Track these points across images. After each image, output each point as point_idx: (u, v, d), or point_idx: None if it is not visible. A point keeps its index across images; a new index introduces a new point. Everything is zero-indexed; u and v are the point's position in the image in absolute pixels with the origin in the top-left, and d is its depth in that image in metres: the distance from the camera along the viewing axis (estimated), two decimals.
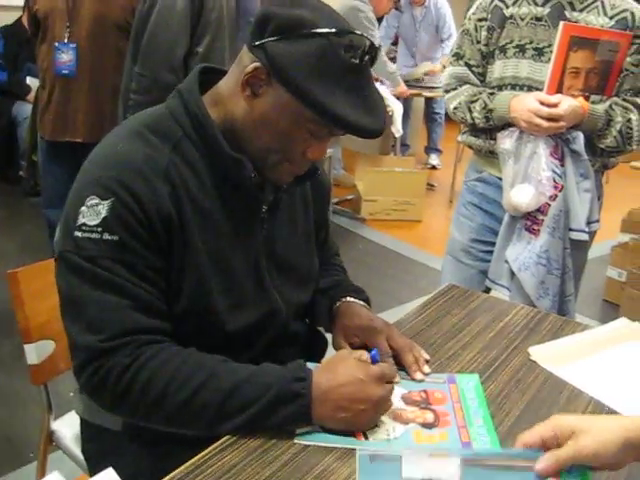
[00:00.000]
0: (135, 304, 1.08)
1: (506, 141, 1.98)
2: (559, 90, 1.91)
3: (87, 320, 1.07)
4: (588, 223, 2.01)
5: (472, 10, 2.10)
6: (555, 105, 1.87)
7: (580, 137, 1.93)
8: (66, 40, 3.00)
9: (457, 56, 2.11)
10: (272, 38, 1.07)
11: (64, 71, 3.03)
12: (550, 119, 1.87)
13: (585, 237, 2.00)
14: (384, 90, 4.94)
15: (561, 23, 1.86)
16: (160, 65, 2.46)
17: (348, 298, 1.37)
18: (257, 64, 1.09)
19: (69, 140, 3.11)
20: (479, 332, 1.44)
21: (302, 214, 1.36)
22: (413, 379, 1.23)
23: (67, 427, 1.57)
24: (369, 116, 1.10)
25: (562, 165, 1.95)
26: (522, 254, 2.01)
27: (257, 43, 1.09)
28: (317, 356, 1.41)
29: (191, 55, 2.51)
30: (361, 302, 1.37)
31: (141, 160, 1.11)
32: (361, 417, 1.06)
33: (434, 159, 6.46)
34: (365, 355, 1.12)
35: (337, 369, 1.09)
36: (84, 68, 3.05)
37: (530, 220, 2.01)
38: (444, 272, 2.32)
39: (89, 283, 1.07)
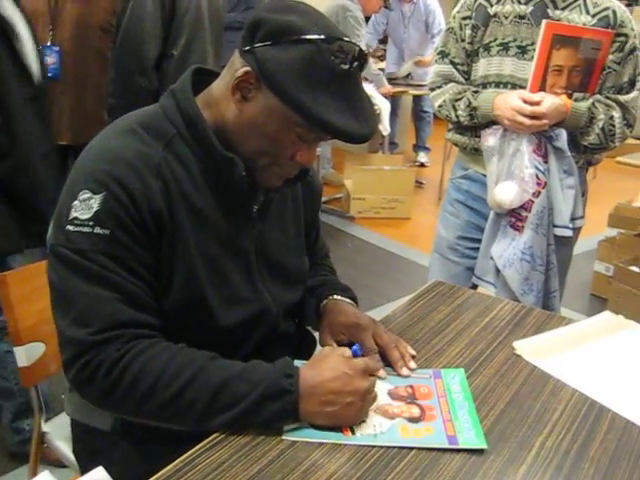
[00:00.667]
0: (125, 298, 1.09)
1: (490, 139, 2.00)
2: (542, 88, 1.94)
3: (76, 313, 1.08)
4: (572, 219, 2.03)
5: (457, 8, 2.11)
6: (538, 103, 1.89)
7: (563, 134, 1.95)
8: (49, 43, 2.97)
9: (442, 54, 2.13)
10: (262, 43, 1.08)
11: (48, 74, 2.99)
12: (533, 117, 1.90)
13: (569, 233, 2.02)
14: (371, 88, 4.95)
15: (544, 22, 1.88)
16: (132, 68, 2.48)
17: (335, 296, 1.38)
18: (247, 69, 1.10)
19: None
20: (465, 327, 1.46)
21: (292, 215, 1.37)
22: (399, 375, 1.25)
23: (58, 428, 1.58)
24: (357, 121, 1.11)
25: (546, 162, 1.97)
26: (507, 251, 2.04)
27: (247, 48, 1.11)
28: (306, 355, 1.42)
29: (166, 58, 2.51)
30: (348, 300, 1.39)
31: (134, 155, 1.12)
32: (348, 410, 1.08)
33: (422, 157, 6.48)
34: (348, 352, 1.15)
35: (322, 365, 1.11)
36: (68, 71, 3.01)
37: (514, 217, 2.03)
38: (431, 269, 2.33)
39: (79, 276, 1.08)
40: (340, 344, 1.29)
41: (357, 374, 1.09)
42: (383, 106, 4.91)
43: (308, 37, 1.07)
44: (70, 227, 1.09)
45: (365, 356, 1.21)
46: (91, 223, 1.08)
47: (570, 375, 1.29)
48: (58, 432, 1.57)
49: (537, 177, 1.97)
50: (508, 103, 1.93)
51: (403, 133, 6.67)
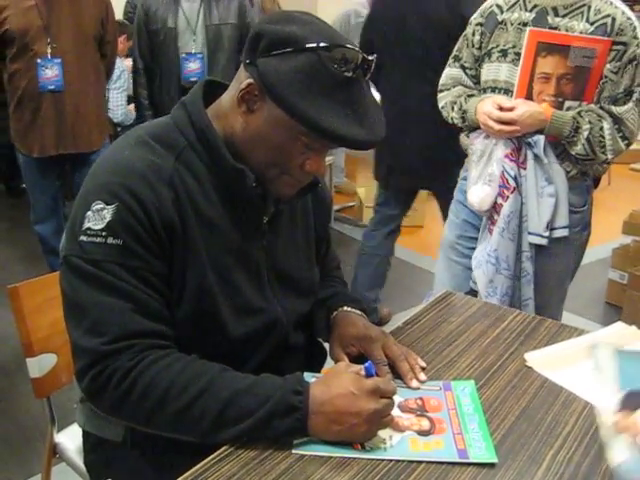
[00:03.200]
0: (138, 307, 1.09)
1: (475, 141, 2.05)
2: (528, 95, 1.94)
3: (90, 323, 1.08)
4: (552, 229, 2.01)
5: (474, 15, 2.15)
6: (510, 109, 1.91)
7: (540, 141, 1.95)
8: (49, 55, 3.01)
9: (455, 58, 2.20)
10: (264, 55, 1.09)
11: (50, 87, 3.04)
12: (503, 122, 1.91)
13: (542, 242, 2.01)
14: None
15: (527, 29, 1.89)
16: None
17: (345, 308, 1.38)
18: (250, 81, 1.11)
19: (62, 153, 3.15)
20: (475, 339, 1.46)
21: (302, 226, 1.38)
22: (409, 387, 1.24)
23: (70, 439, 1.59)
24: (362, 128, 1.11)
25: (524, 168, 1.98)
26: (480, 252, 2.07)
27: (250, 60, 1.12)
28: (316, 366, 1.42)
29: None
30: (358, 312, 1.38)
31: (146, 166, 1.13)
32: (354, 431, 1.07)
33: None
34: (361, 370, 1.13)
35: (332, 382, 1.10)
36: (71, 81, 3.09)
37: (489, 220, 2.07)
38: (437, 270, 2.38)
39: (92, 286, 1.09)
40: (350, 356, 1.29)
41: (364, 395, 1.07)
42: None
43: (309, 46, 1.07)
44: (83, 237, 1.10)
45: (377, 373, 1.18)
46: (104, 233, 1.09)
47: (582, 388, 1.28)
48: (70, 443, 1.58)
49: (507, 181, 1.97)
50: (482, 108, 1.97)
51: None
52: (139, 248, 1.10)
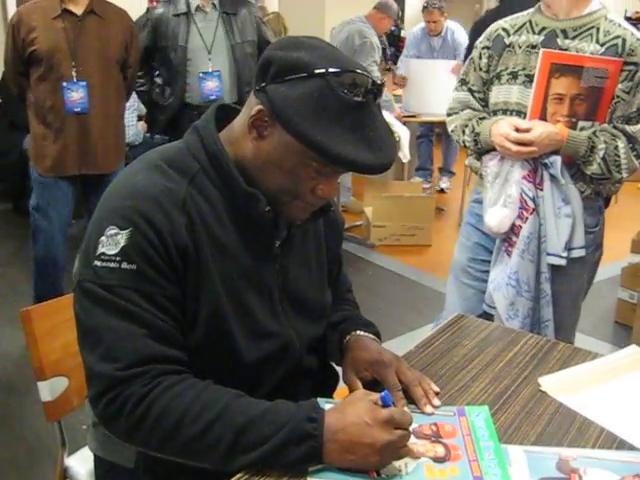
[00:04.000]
0: (152, 333, 1.09)
1: (489, 164, 2.04)
2: (542, 116, 1.95)
3: (104, 349, 1.08)
4: (569, 249, 2.00)
5: (480, 39, 2.16)
6: (527, 130, 1.91)
7: (557, 162, 1.95)
8: (75, 79, 3.07)
9: (462, 82, 2.21)
10: (273, 81, 1.10)
11: (76, 109, 3.10)
12: (521, 144, 1.91)
13: (561, 262, 2.00)
14: (388, 115, 4.98)
15: (541, 50, 1.90)
16: None
17: (358, 332, 1.37)
18: (260, 107, 1.12)
19: (84, 174, 3.21)
20: (489, 363, 1.45)
21: (314, 250, 1.37)
22: (423, 412, 1.24)
23: (81, 463, 1.58)
24: (372, 152, 1.11)
25: (539, 189, 1.97)
26: (499, 275, 2.05)
27: (260, 87, 1.12)
28: (329, 390, 1.42)
29: None
30: (371, 335, 1.38)
31: (159, 191, 1.13)
32: (367, 460, 1.05)
33: (444, 182, 6.40)
34: (377, 399, 1.12)
35: (347, 410, 1.09)
36: (95, 104, 3.15)
37: (507, 242, 2.06)
38: (448, 293, 2.37)
39: (107, 312, 1.09)
40: (363, 381, 1.29)
41: (378, 425, 1.06)
42: (402, 133, 4.93)
43: (317, 72, 1.08)
44: (97, 262, 1.10)
45: (393, 402, 1.16)
46: (118, 258, 1.09)
47: (597, 413, 1.27)
48: (80, 467, 1.57)
49: (525, 203, 1.97)
50: (498, 129, 1.96)
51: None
52: (153, 273, 1.10)
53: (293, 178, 1.15)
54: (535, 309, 2.05)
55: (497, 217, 2.02)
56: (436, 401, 1.26)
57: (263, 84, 1.11)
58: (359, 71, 1.11)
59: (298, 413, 1.07)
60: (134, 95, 4.58)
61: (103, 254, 1.10)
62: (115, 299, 1.08)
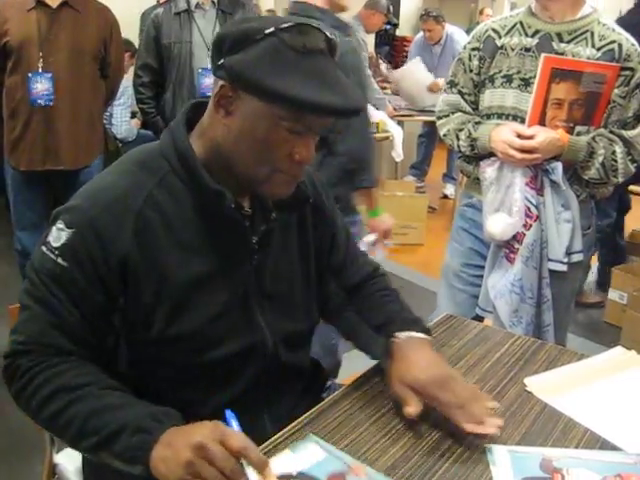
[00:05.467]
0: (59, 324, 1.14)
1: (488, 170, 2.03)
2: (541, 121, 1.94)
3: (19, 322, 1.17)
4: (568, 254, 2.01)
5: (468, 39, 2.15)
6: (530, 137, 1.90)
7: (559, 168, 1.95)
8: (40, 70, 3.03)
9: (451, 84, 2.17)
10: (228, 55, 1.11)
11: (39, 101, 3.05)
12: (524, 151, 1.90)
13: (563, 268, 2.01)
14: (383, 116, 4.99)
15: (542, 55, 1.90)
16: None
17: (406, 333, 1.30)
18: (221, 83, 1.13)
19: (49, 169, 3.16)
20: (476, 363, 1.46)
21: (299, 241, 1.36)
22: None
23: (69, 460, 1.58)
24: (336, 95, 1.10)
25: (540, 195, 1.97)
26: (499, 282, 2.05)
27: (218, 64, 1.13)
28: (316, 390, 1.42)
29: None
30: (421, 335, 1.31)
31: (118, 196, 1.15)
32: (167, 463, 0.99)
33: (449, 188, 6.24)
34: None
35: (194, 426, 1.02)
36: (63, 97, 3.09)
37: (508, 248, 2.05)
38: (439, 297, 2.36)
39: (31, 292, 1.16)
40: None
41: (191, 445, 0.97)
42: (396, 133, 4.94)
43: (267, 31, 1.09)
44: (43, 247, 1.17)
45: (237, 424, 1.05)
46: (57, 252, 1.14)
47: (582, 413, 1.29)
48: (69, 464, 1.58)
49: (529, 210, 1.97)
50: (501, 136, 1.95)
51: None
52: (80, 278, 1.13)
53: (268, 145, 1.14)
54: (536, 314, 2.05)
55: (500, 225, 2.00)
56: (496, 421, 1.17)
57: (219, 60, 1.13)
58: (310, 23, 1.12)
59: (146, 411, 1.08)
60: (127, 91, 4.59)
61: (49, 242, 1.16)
62: (40, 285, 1.15)
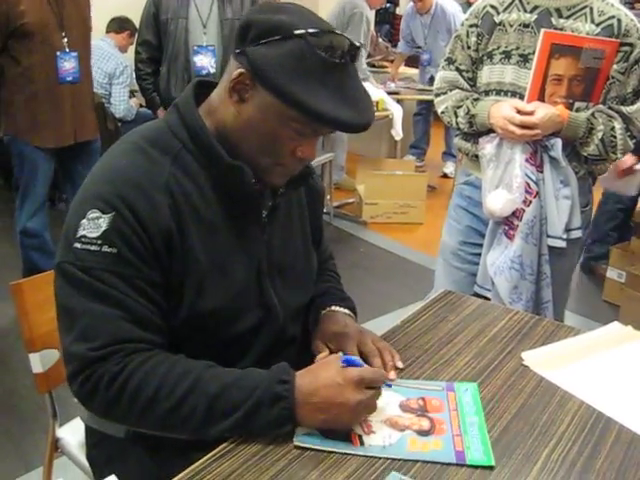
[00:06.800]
0: (128, 316, 1.11)
1: (487, 146, 2.02)
2: (540, 97, 1.94)
3: (79, 330, 1.10)
4: (567, 230, 2.02)
5: (466, 16, 2.14)
6: (530, 113, 1.90)
7: (558, 144, 1.95)
8: (67, 49, 3.14)
9: (449, 61, 2.16)
10: (253, 44, 1.11)
11: (68, 78, 3.18)
12: (524, 127, 1.91)
13: (562, 244, 2.02)
14: (383, 94, 4.98)
15: (542, 31, 1.89)
16: None
17: (333, 307, 1.41)
18: (241, 70, 1.13)
19: (78, 142, 3.32)
20: (473, 338, 1.47)
21: (298, 218, 1.39)
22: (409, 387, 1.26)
23: (72, 434, 1.60)
24: (352, 111, 1.12)
25: (540, 171, 1.98)
26: (499, 259, 2.05)
27: (240, 50, 1.14)
28: (311, 356, 1.44)
29: None
30: (346, 311, 1.41)
31: (141, 175, 1.14)
32: (339, 420, 1.09)
33: (449, 167, 6.17)
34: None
35: (318, 372, 1.12)
36: (83, 72, 3.27)
37: (507, 225, 2.05)
38: (437, 275, 2.36)
39: (85, 294, 1.10)
40: (331, 351, 1.31)
41: (349, 385, 1.09)
42: (395, 111, 4.93)
43: (297, 32, 1.09)
44: (77, 245, 1.11)
45: (361, 364, 1.19)
46: (99, 242, 1.10)
47: (578, 387, 1.30)
48: (72, 438, 1.60)
49: (528, 186, 1.97)
50: (501, 112, 1.95)
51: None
52: (134, 258, 1.11)
53: (274, 140, 1.16)
54: (536, 291, 2.06)
55: (500, 201, 2.00)
56: (392, 374, 1.27)
57: (243, 47, 1.13)
58: (337, 32, 1.13)
59: (269, 377, 1.10)
60: (127, 71, 4.59)
61: (84, 237, 1.11)
62: (93, 281, 1.10)
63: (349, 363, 1.14)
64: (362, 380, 1.10)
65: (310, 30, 1.09)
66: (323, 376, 1.11)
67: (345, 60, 1.12)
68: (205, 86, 1.27)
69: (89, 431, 1.39)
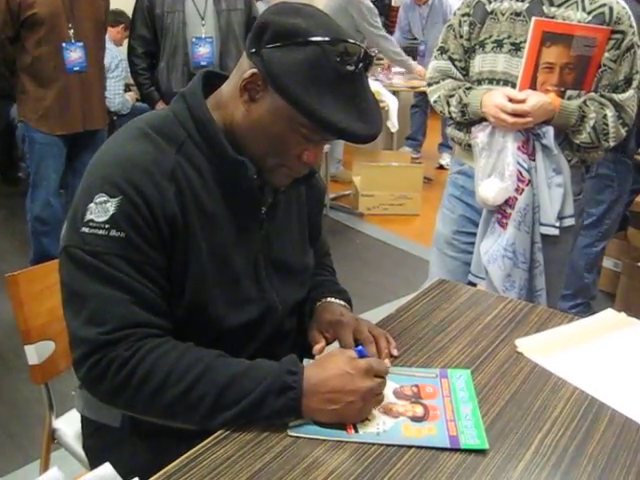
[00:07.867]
0: (137, 300, 1.11)
1: (479, 135, 2.03)
2: (532, 86, 1.94)
3: (88, 313, 1.10)
4: (560, 218, 2.03)
5: (458, 5, 2.14)
6: (522, 101, 1.91)
7: (550, 132, 1.95)
8: (73, 40, 3.23)
9: (441, 50, 2.16)
10: (268, 46, 1.11)
11: (75, 68, 3.27)
12: (516, 115, 1.91)
13: (555, 232, 2.02)
14: (378, 85, 4.97)
15: (533, 19, 1.89)
16: None
17: (329, 298, 1.41)
18: (254, 70, 1.13)
19: (87, 129, 3.40)
20: (467, 325, 1.48)
21: (297, 214, 1.40)
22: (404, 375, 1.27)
23: (68, 425, 1.61)
24: (361, 122, 1.13)
25: (532, 159, 1.98)
26: (492, 247, 2.06)
27: (254, 50, 1.13)
28: (307, 353, 1.44)
29: None
30: (341, 302, 1.42)
31: (149, 160, 1.14)
32: (350, 409, 1.10)
33: (445, 158, 6.17)
34: (353, 353, 1.16)
35: (327, 364, 1.13)
36: (92, 63, 3.35)
37: (500, 213, 2.06)
38: (431, 265, 2.37)
39: (93, 278, 1.10)
40: (327, 340, 1.32)
41: (359, 373, 1.10)
42: (391, 103, 4.92)
43: (313, 39, 1.09)
44: (85, 229, 1.11)
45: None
46: (107, 226, 1.10)
47: (571, 373, 1.31)
48: (68, 428, 1.60)
49: (520, 174, 1.98)
50: (493, 100, 1.95)
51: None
52: (141, 242, 1.11)
53: (281, 143, 1.17)
54: (529, 279, 2.07)
55: (492, 189, 2.00)
56: (386, 362, 1.28)
57: (258, 48, 1.13)
58: (352, 41, 1.13)
59: (278, 368, 1.11)
60: (122, 64, 4.58)
61: (91, 221, 1.11)
62: (101, 265, 1.10)
63: (361, 355, 1.15)
64: (371, 369, 1.12)
65: (326, 38, 1.09)
66: (332, 367, 1.12)
67: (358, 69, 1.12)
68: (212, 77, 1.27)
69: (85, 421, 1.40)
